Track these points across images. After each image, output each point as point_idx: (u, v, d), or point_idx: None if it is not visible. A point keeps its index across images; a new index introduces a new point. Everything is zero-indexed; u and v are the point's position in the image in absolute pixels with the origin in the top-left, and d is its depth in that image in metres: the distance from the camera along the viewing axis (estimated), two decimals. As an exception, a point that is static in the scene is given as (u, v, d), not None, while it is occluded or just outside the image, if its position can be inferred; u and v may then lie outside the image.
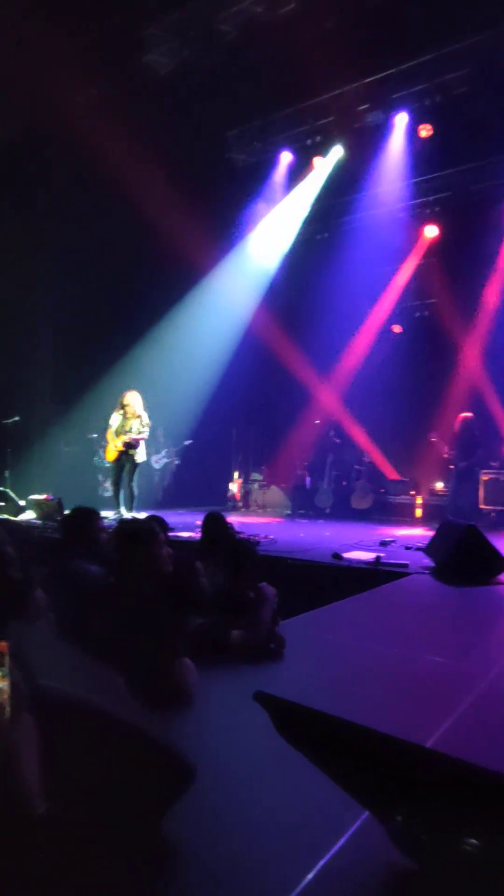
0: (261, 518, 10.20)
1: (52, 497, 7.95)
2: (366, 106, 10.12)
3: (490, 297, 10.74)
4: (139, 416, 8.24)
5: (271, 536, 6.95)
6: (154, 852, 1.41)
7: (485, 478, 9.60)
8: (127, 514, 7.85)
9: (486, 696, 2.43)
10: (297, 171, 11.40)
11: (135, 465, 8.26)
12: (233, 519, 5.87)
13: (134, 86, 9.45)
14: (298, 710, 1.13)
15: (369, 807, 1.25)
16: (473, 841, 0.94)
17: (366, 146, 10.53)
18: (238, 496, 11.78)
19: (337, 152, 10.87)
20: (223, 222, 11.47)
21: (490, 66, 8.93)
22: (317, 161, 11.06)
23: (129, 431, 8.19)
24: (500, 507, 9.50)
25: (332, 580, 4.93)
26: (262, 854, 1.43)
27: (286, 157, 11.31)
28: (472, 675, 2.63)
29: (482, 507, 9.47)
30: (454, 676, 2.65)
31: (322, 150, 10.91)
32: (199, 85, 9.58)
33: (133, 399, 8.31)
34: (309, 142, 11.00)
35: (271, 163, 11.40)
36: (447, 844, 1.03)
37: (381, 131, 10.33)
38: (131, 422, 8.21)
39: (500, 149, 9.91)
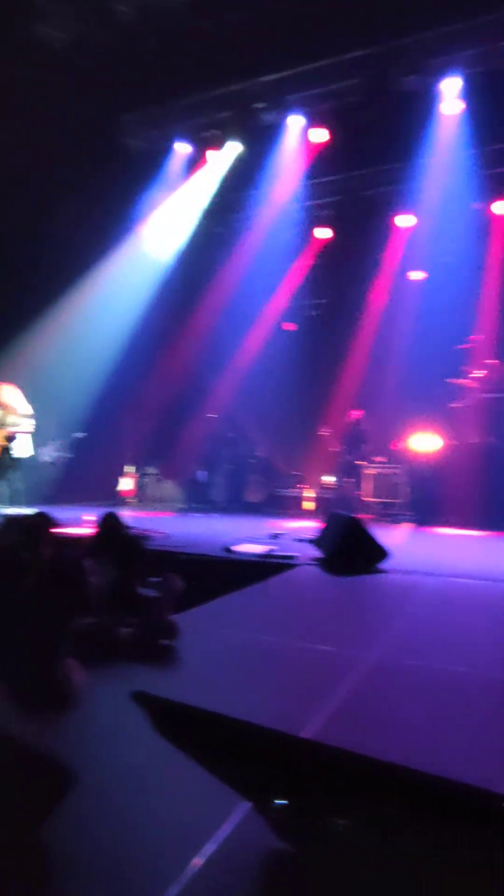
0: (155, 513, 10.11)
1: None
2: (263, 104, 10.25)
3: (377, 298, 11.28)
4: (15, 410, 7.89)
5: (164, 531, 6.90)
6: (30, 859, 1.37)
7: (371, 472, 10.12)
8: (8, 511, 7.47)
9: (365, 680, 2.57)
10: (195, 163, 11.35)
11: (14, 459, 7.90)
12: (126, 514, 5.77)
13: (23, 56, 8.95)
14: (177, 708, 1.14)
15: (249, 797, 1.29)
16: (341, 821, 1.01)
17: (262, 144, 10.69)
18: (131, 491, 11.60)
19: (235, 147, 10.94)
20: (117, 209, 11.19)
21: (381, 78, 9.36)
22: (211, 154, 11.06)
23: (6, 425, 7.83)
24: (384, 500, 10.06)
25: (222, 573, 4.99)
26: (145, 851, 1.43)
27: (183, 148, 11.21)
28: (353, 661, 2.78)
29: (367, 499, 9.98)
30: (337, 664, 2.78)
31: (219, 143, 10.93)
32: (94, 63, 9.25)
33: (7, 393, 7.95)
34: (206, 134, 10.98)
35: (168, 152, 11.26)
36: (319, 826, 1.09)
37: (277, 130, 10.52)
38: (9, 416, 7.86)
39: (390, 158, 10.42)
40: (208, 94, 10.36)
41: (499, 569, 5.49)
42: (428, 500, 9.05)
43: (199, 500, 11.11)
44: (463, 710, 2.30)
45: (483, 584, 4.80)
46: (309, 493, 10.69)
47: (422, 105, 9.36)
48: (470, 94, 9.22)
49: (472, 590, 4.66)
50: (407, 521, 9.22)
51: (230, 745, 1.10)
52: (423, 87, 9.25)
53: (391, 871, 1.01)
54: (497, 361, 9.51)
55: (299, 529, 7.50)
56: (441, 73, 9.09)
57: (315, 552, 5.62)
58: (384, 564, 5.15)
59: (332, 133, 10.28)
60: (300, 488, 10.82)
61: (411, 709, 2.34)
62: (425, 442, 9.47)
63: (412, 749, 1.92)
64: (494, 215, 10.84)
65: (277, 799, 1.12)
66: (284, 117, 10.30)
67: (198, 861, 1.37)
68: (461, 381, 9.52)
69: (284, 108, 10.18)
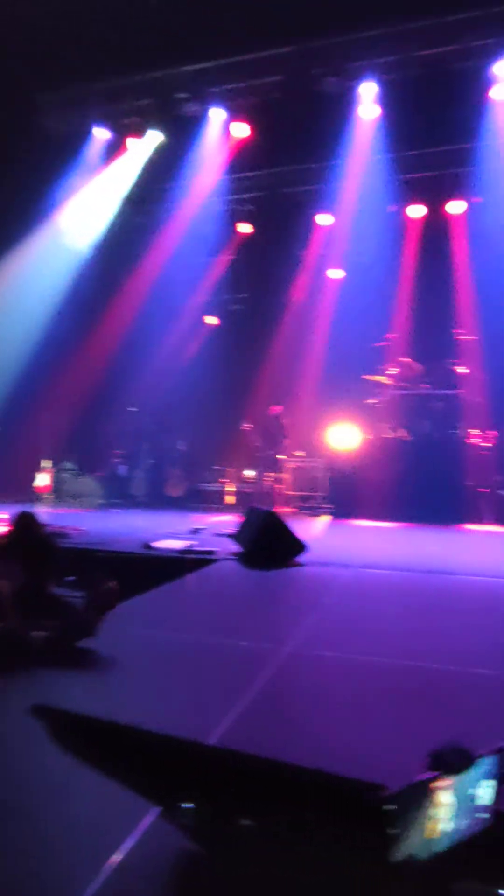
0: (72, 509, 9.83)
1: None
2: (184, 95, 10.14)
3: (297, 295, 11.46)
4: None
5: (82, 528, 6.73)
6: None
7: (291, 465, 10.30)
8: None
9: (280, 674, 2.62)
10: (115, 150, 11.08)
11: None
12: (42, 511, 5.58)
13: None
14: (77, 720, 1.12)
15: (157, 803, 1.29)
16: (251, 822, 1.03)
17: (184, 135, 10.58)
18: (48, 487, 11.23)
19: (156, 137, 10.76)
20: (33, 192, 10.73)
21: (301, 77, 9.48)
22: (131, 142, 10.84)
23: None
24: (304, 493, 10.28)
25: (142, 570, 4.94)
26: (55, 862, 1.41)
27: (102, 134, 10.92)
28: (269, 655, 2.83)
29: (288, 492, 10.17)
30: (255, 659, 2.81)
31: (139, 131, 10.73)
32: (6, 36, 8.81)
33: None
34: (127, 121, 10.75)
35: (86, 136, 10.93)
36: (229, 828, 1.11)
37: (198, 122, 10.44)
38: None
39: (310, 157, 10.57)
40: (128, 80, 10.13)
41: (411, 559, 5.75)
42: (345, 493, 9.33)
43: (118, 495, 10.91)
44: (377, 701, 2.39)
45: (396, 574, 5.01)
46: (230, 487, 10.75)
47: (341, 107, 9.56)
48: (386, 99, 9.51)
49: (385, 580, 4.85)
50: (325, 514, 9.47)
51: (133, 756, 1.10)
52: (343, 89, 9.45)
53: (301, 869, 1.04)
54: (410, 359, 9.91)
55: (219, 524, 7.53)
56: (359, 76, 9.31)
57: (234, 547, 5.66)
58: (302, 557, 5.26)
59: (253, 128, 10.31)
60: (221, 482, 10.86)
61: (326, 701, 2.41)
62: (343, 437, 9.74)
63: (322, 742, 1.98)
64: (409, 218, 11.25)
65: (186, 803, 1.13)
66: (206, 109, 10.24)
67: (109, 867, 1.36)
68: (377, 377, 9.85)
69: (206, 100, 10.12)
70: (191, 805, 1.11)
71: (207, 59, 9.66)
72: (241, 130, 10.39)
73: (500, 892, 0.82)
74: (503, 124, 9.37)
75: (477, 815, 0.75)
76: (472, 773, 0.83)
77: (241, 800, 1.03)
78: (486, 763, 0.84)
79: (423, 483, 8.63)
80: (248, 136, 10.41)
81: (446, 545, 7.06)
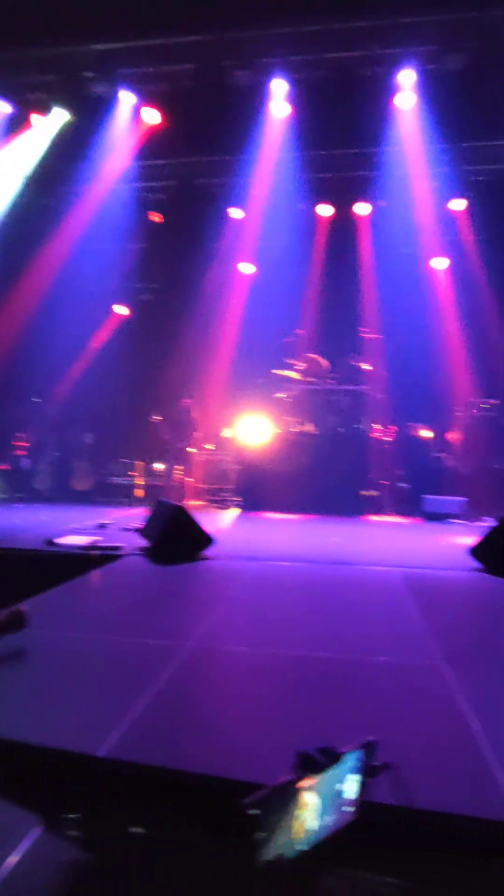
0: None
1: None
2: (92, 74, 9.81)
3: (208, 288, 11.43)
4: None
5: (-21, 525, 6.42)
6: None
7: (201, 459, 10.30)
8: None
9: (179, 671, 2.63)
10: (17, 126, 10.54)
11: None
12: None
13: None
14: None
15: (41, 815, 1.26)
16: (140, 829, 1.03)
17: (92, 116, 10.24)
18: None
19: (62, 115, 10.34)
20: None
21: (212, 67, 9.42)
22: (35, 118, 10.36)
23: None
24: (213, 486, 10.32)
25: (43, 569, 4.78)
26: None
27: (3, 107, 10.35)
28: (171, 652, 2.82)
29: (197, 486, 10.17)
30: (156, 657, 2.79)
31: (44, 107, 10.26)
32: None
33: None
34: (31, 96, 10.26)
35: (-14, 109, 10.32)
36: (118, 835, 1.11)
37: (108, 104, 10.14)
38: None
39: (221, 150, 10.54)
40: (33, 52, 9.64)
41: (316, 551, 5.92)
42: (254, 486, 9.45)
43: (21, 489, 10.47)
44: (279, 694, 2.43)
45: (302, 566, 5.14)
46: (139, 480, 10.60)
47: (252, 102, 9.59)
48: (296, 98, 9.64)
49: (291, 572, 4.97)
50: (234, 507, 9.55)
51: (9, 769, 1.07)
52: (253, 83, 9.48)
53: (190, 874, 1.05)
54: (317, 355, 10.17)
55: (127, 518, 7.41)
56: (269, 72, 9.38)
57: (141, 542, 5.60)
58: (209, 551, 5.29)
59: (164, 116, 10.14)
60: (130, 475, 10.68)
61: (227, 697, 2.44)
62: (252, 430, 9.85)
63: (220, 741, 2.00)
64: (318, 217, 11.49)
65: (71, 813, 1.11)
66: (115, 91, 9.95)
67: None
68: (285, 372, 10.03)
69: (115, 82, 9.84)
70: (76, 816, 1.10)
71: (116, 40, 9.37)
72: (153, 117, 10.19)
73: (389, 879, 0.85)
74: (405, 132, 9.78)
75: (343, 809, 0.79)
76: (337, 769, 0.87)
77: (128, 808, 1.03)
78: (352, 758, 0.88)
79: (329, 476, 8.89)
80: (160, 124, 10.22)
81: (350, 536, 7.33)
